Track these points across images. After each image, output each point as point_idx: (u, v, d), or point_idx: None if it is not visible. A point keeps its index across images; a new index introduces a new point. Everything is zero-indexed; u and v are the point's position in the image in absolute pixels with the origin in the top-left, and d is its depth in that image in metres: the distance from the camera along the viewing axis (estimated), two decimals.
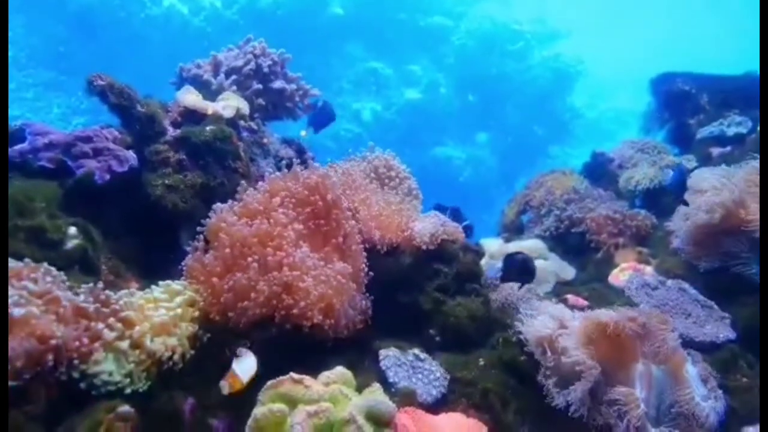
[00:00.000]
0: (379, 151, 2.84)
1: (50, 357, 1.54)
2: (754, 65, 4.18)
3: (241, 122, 3.01)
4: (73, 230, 2.06)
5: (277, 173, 2.37)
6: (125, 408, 1.61)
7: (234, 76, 3.19)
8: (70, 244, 2.02)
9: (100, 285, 1.81)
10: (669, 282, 2.69)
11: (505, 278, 2.48)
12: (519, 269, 2.37)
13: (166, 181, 2.47)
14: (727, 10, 20.89)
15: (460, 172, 13.88)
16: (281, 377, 1.59)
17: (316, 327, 1.98)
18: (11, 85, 11.28)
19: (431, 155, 13.69)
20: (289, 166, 2.44)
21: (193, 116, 2.80)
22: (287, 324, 1.97)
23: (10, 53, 11.53)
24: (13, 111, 10.41)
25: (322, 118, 3.27)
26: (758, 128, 3.65)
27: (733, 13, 20.60)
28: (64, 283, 1.71)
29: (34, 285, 1.60)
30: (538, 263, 3.17)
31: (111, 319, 1.71)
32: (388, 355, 2.10)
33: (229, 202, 2.22)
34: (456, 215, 2.94)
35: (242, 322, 1.95)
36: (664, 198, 3.53)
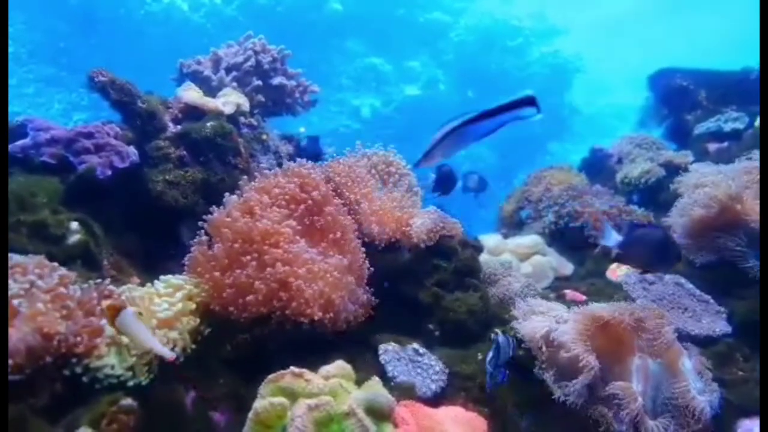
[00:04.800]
0: (378, 147, 2.85)
1: (54, 352, 1.56)
2: (751, 61, 4.20)
3: (241, 118, 3.02)
4: (75, 225, 2.07)
5: (267, 171, 2.38)
6: (128, 401, 1.62)
7: (234, 73, 3.21)
8: (72, 239, 2.03)
9: (108, 281, 1.83)
10: (666, 277, 2.71)
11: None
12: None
13: (167, 177, 2.49)
14: (726, 7, 20.87)
15: (459, 168, 13.87)
16: (282, 371, 1.61)
17: (316, 322, 2.00)
18: (12, 81, 11.28)
19: None
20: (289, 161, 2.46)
21: (193, 112, 2.81)
22: (286, 322, 1.99)
23: (11, 49, 11.53)
24: (14, 107, 10.42)
25: (447, 183, 3.17)
26: (755, 123, 3.66)
27: (731, 9, 20.58)
28: (70, 279, 1.72)
29: (40, 280, 1.61)
30: (537, 258, 3.19)
31: None
32: (388, 350, 2.12)
33: (235, 197, 2.24)
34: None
35: (243, 317, 1.97)
36: (661, 194, 3.55)
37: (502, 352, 1.88)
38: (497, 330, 1.94)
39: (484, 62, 14.67)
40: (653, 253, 2.22)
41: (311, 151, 3.28)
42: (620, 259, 2.34)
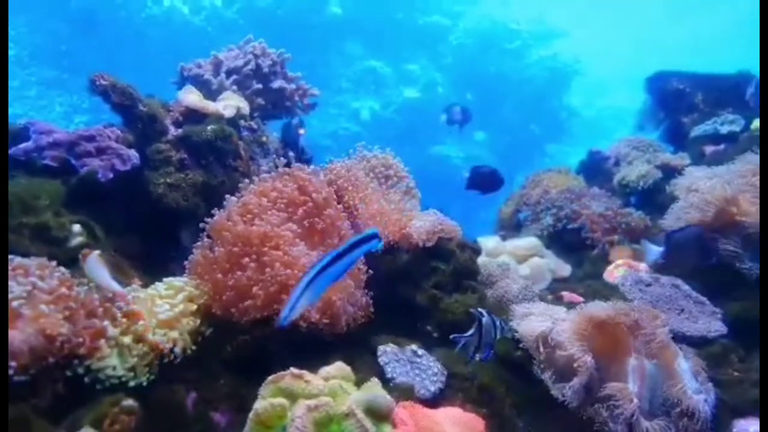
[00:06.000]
0: (377, 149, 2.88)
1: (56, 353, 1.58)
2: (747, 64, 4.23)
3: (242, 121, 3.04)
4: (77, 228, 2.09)
5: (266, 174, 2.40)
6: (129, 402, 1.64)
7: (234, 76, 3.23)
8: (74, 241, 2.05)
9: None
10: (663, 278, 2.73)
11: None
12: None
13: (168, 180, 2.51)
14: (723, 10, 20.92)
15: (459, 170, 13.87)
16: (282, 372, 1.63)
17: (314, 323, 2.01)
18: (14, 83, 11.30)
19: (429, 154, 13.71)
20: (286, 165, 2.47)
21: (194, 116, 2.83)
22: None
23: (12, 52, 11.55)
24: (15, 109, 10.44)
25: (487, 182, 3.19)
26: (751, 126, 3.68)
27: (729, 13, 20.63)
28: (71, 280, 1.74)
29: (41, 282, 1.63)
30: (535, 260, 3.21)
31: (117, 314, 1.75)
32: (386, 351, 2.13)
33: (237, 197, 2.25)
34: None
35: (243, 320, 1.99)
36: (659, 196, 3.58)
37: (485, 332, 1.89)
38: (481, 310, 1.95)
39: (482, 65, 14.69)
40: (695, 253, 2.25)
41: (290, 139, 3.29)
42: (666, 267, 2.37)
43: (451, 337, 1.96)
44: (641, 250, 3.18)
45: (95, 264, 1.79)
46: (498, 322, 1.95)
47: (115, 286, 1.80)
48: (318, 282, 1.54)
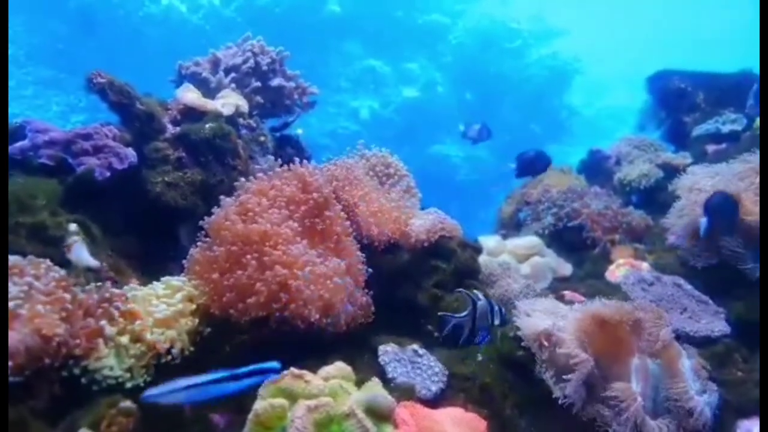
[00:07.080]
0: (375, 148, 2.86)
1: (53, 354, 1.56)
2: (749, 63, 4.22)
3: (240, 120, 3.02)
4: (73, 227, 2.07)
5: (262, 174, 2.38)
6: (127, 403, 1.62)
7: (233, 74, 3.21)
8: (71, 240, 2.03)
9: (108, 284, 1.83)
10: (665, 278, 2.72)
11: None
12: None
13: (166, 179, 2.49)
14: (724, 8, 20.96)
15: (458, 169, 13.90)
16: (282, 372, 1.61)
17: (315, 323, 2.00)
18: (10, 83, 11.27)
19: (429, 153, 13.70)
20: (288, 164, 2.45)
21: (192, 114, 2.81)
22: (285, 323, 1.99)
23: (9, 51, 11.52)
24: (12, 109, 10.36)
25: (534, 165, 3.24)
26: (753, 125, 3.67)
27: (729, 11, 20.65)
28: (68, 280, 1.72)
29: (37, 282, 1.61)
30: (536, 259, 3.20)
31: (115, 314, 1.73)
32: (387, 351, 2.12)
33: (233, 198, 2.23)
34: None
35: (243, 320, 1.97)
36: (660, 195, 3.56)
37: (480, 315, 1.86)
38: (477, 292, 1.92)
39: (482, 64, 14.68)
40: (726, 213, 2.36)
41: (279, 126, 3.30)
42: (715, 234, 2.49)
43: (439, 314, 1.92)
44: (643, 249, 3.17)
45: (77, 248, 1.93)
46: (497, 308, 1.92)
47: (93, 261, 1.93)
48: (203, 390, 1.51)
